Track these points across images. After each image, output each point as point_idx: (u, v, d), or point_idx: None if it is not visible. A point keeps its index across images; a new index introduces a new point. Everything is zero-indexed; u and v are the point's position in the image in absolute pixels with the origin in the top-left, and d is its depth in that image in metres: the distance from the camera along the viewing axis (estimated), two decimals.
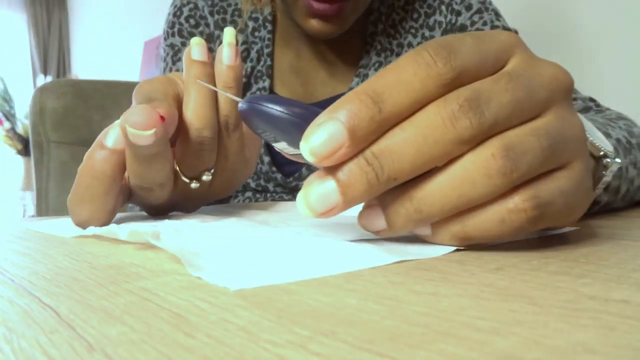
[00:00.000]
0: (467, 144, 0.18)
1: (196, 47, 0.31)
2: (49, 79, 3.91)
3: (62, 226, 0.32)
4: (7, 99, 3.57)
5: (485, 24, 0.59)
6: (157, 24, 2.87)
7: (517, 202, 0.19)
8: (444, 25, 0.61)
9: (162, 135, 0.27)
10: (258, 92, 0.60)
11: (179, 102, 0.31)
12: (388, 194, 0.20)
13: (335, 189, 0.18)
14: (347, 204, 0.19)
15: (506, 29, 0.58)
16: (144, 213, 0.37)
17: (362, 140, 0.18)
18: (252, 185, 0.60)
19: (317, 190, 0.19)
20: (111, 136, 0.29)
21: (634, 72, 0.89)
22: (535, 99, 0.20)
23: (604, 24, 0.92)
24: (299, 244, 0.22)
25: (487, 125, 0.18)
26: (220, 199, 0.56)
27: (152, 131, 0.26)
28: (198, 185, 0.33)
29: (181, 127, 0.31)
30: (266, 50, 0.60)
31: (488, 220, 0.19)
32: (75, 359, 0.10)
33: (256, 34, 0.61)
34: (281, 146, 0.22)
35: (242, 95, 0.60)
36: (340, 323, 0.12)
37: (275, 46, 0.62)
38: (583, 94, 0.54)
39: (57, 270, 0.19)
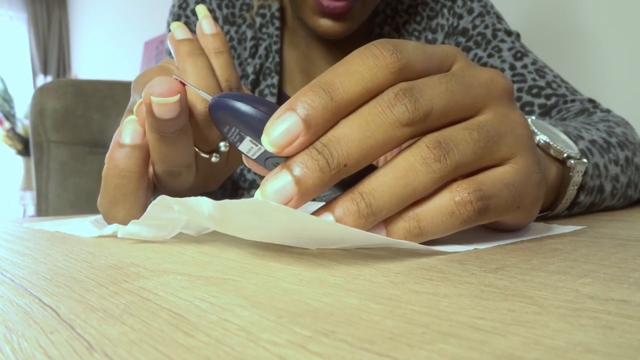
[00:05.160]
0: (406, 127, 0.20)
1: (178, 29, 0.32)
2: (49, 79, 3.91)
3: (80, 226, 0.32)
4: (7, 99, 3.57)
5: (487, 27, 0.59)
6: (157, 24, 2.87)
7: (463, 194, 0.20)
8: (446, 28, 0.61)
9: (185, 104, 0.27)
10: (267, 89, 0.60)
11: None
12: (338, 196, 0.20)
13: (290, 181, 0.19)
14: (303, 195, 0.19)
15: (508, 32, 0.58)
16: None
17: (318, 128, 0.19)
18: (259, 182, 0.60)
19: (273, 185, 0.19)
20: (127, 133, 0.29)
21: (637, 74, 0.89)
22: (472, 94, 0.21)
23: (607, 26, 0.92)
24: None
25: (423, 110, 0.20)
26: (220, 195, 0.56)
27: (177, 97, 0.26)
28: (218, 158, 0.34)
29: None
30: (274, 47, 0.60)
31: (439, 214, 0.20)
32: (75, 359, 0.10)
33: (264, 30, 0.61)
34: (244, 147, 0.23)
35: (252, 91, 0.60)
36: (340, 323, 0.12)
37: (284, 44, 0.62)
38: (583, 96, 0.54)
39: (57, 270, 0.19)
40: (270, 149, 0.19)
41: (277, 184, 0.19)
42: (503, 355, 0.10)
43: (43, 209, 0.86)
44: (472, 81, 0.22)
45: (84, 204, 0.87)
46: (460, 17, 0.60)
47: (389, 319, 0.12)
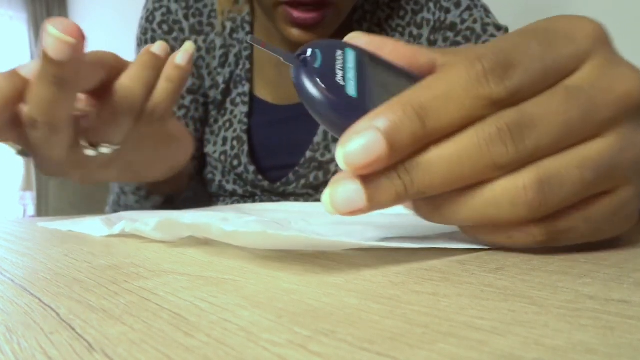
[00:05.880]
0: (500, 170, 0.18)
1: (159, 46, 0.34)
2: None
3: (92, 225, 0.33)
4: None
5: (475, 21, 0.57)
6: None
7: (534, 231, 0.19)
8: (432, 23, 0.59)
9: (79, 54, 0.26)
10: (238, 97, 0.58)
11: (114, 68, 0.32)
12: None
13: (363, 194, 0.18)
14: (371, 209, 0.18)
15: (497, 26, 0.56)
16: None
17: (400, 153, 0.18)
18: (240, 192, 0.59)
19: (344, 191, 0.18)
20: (27, 65, 0.28)
21: None
22: (594, 120, 0.18)
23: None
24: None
25: (526, 153, 0.17)
26: (197, 201, 0.57)
27: (72, 39, 0.25)
28: (94, 154, 0.33)
29: (106, 94, 0.32)
30: (245, 54, 0.59)
31: (498, 235, 0.20)
32: (75, 359, 0.10)
33: (234, 35, 0.59)
34: None
35: (223, 100, 0.60)
36: (340, 323, 0.12)
37: (255, 48, 0.61)
38: None
39: (57, 270, 0.19)
40: (344, 167, 0.17)
41: (348, 192, 0.18)
42: (503, 355, 0.10)
43: (43, 209, 0.86)
44: (602, 98, 0.18)
45: (84, 204, 0.87)
46: (448, 10, 0.58)
47: (389, 319, 0.12)
